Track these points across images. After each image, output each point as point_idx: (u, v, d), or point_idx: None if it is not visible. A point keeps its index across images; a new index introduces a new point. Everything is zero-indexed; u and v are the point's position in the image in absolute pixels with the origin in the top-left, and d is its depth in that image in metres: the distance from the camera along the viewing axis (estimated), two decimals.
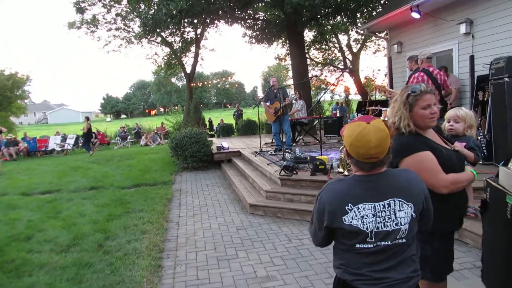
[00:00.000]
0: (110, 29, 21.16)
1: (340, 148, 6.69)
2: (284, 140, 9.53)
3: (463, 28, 7.99)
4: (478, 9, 7.71)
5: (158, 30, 17.99)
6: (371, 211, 1.62)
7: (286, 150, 8.85)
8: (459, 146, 2.40)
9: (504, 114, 5.56)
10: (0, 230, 5.85)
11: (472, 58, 7.64)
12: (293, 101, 12.44)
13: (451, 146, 2.38)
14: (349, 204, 1.63)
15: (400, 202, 1.64)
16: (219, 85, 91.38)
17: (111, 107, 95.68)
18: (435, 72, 6.04)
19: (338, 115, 14.20)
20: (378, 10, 12.66)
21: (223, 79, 77.75)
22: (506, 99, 5.47)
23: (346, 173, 6.23)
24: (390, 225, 1.62)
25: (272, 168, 7.50)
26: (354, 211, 1.62)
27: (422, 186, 1.75)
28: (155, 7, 11.92)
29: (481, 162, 6.23)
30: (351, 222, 1.62)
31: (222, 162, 11.04)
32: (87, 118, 17.58)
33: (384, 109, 9.15)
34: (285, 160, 7.45)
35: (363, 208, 1.63)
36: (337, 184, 1.73)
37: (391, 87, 11.18)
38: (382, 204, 1.63)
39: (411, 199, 1.67)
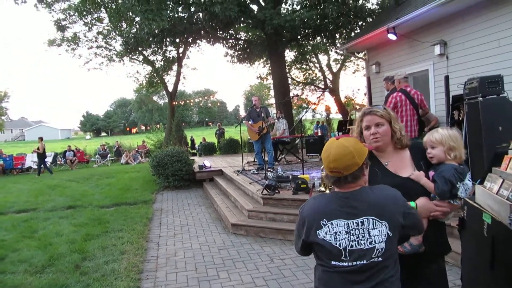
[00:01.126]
0: (91, 47, 21.05)
1: (322, 167, 6.74)
2: (266, 158, 9.55)
3: (437, 49, 8.27)
4: (452, 31, 8.01)
5: (140, 48, 18.02)
6: (344, 228, 1.64)
7: (268, 169, 8.87)
8: (416, 174, 2.15)
9: (479, 133, 5.71)
10: None
11: (447, 78, 7.89)
12: (275, 120, 12.53)
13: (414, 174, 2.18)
14: (324, 219, 1.67)
15: (374, 220, 1.65)
16: (201, 104, 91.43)
17: (91, 124, 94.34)
18: (412, 92, 6.20)
19: (319, 134, 14.34)
20: (357, 31, 13.01)
21: (205, 97, 77.90)
22: (481, 118, 5.63)
23: (327, 191, 6.26)
24: (364, 243, 1.62)
25: (254, 187, 7.48)
26: (328, 227, 1.66)
27: (400, 204, 1.74)
28: (137, 26, 11.95)
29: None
30: (324, 237, 1.65)
31: (204, 181, 10.96)
32: (41, 139, 17.13)
33: None
34: (267, 179, 7.46)
35: (337, 225, 1.65)
36: (317, 199, 1.79)
37: (370, 105, 11.41)
38: (355, 222, 1.64)
39: (385, 217, 1.66)
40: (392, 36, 8.86)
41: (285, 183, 7.28)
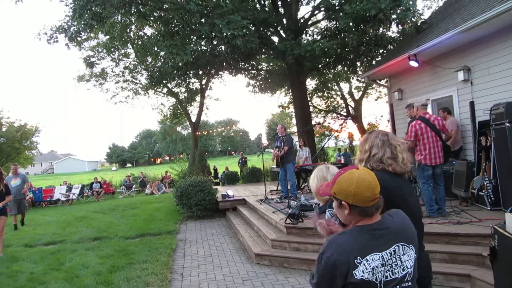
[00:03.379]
0: (118, 81, 21.87)
1: None
2: (288, 188, 9.51)
3: (461, 75, 8.19)
4: (475, 56, 7.95)
5: (164, 81, 18.61)
6: (380, 261, 1.59)
7: (292, 198, 8.81)
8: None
9: (508, 159, 5.56)
10: (1, 283, 5.74)
11: (472, 104, 7.76)
12: (298, 148, 12.54)
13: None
14: (358, 258, 1.57)
15: (403, 246, 1.65)
16: (223, 133, 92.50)
17: (117, 156, 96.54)
18: (432, 119, 6.13)
19: (342, 161, 14.20)
20: (378, 59, 13.06)
21: (228, 127, 78.83)
22: (509, 144, 5.50)
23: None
24: (398, 271, 1.61)
25: (277, 216, 7.43)
26: (364, 264, 1.57)
27: (413, 225, 1.77)
28: (162, 60, 12.39)
29: (489, 208, 6.16)
30: (362, 276, 1.56)
31: (227, 210, 10.95)
32: None
33: None
34: (291, 208, 7.40)
35: (372, 259, 1.58)
36: (341, 238, 1.65)
37: (394, 132, 11.29)
38: (389, 252, 1.61)
39: (411, 240, 1.68)
40: (413, 63, 8.86)
41: (308, 211, 7.20)
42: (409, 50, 9.07)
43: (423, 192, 6.29)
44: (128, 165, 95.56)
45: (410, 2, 10.31)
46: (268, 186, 13.35)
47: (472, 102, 7.85)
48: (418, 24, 10.84)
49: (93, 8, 10.15)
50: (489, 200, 6.20)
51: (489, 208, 6.16)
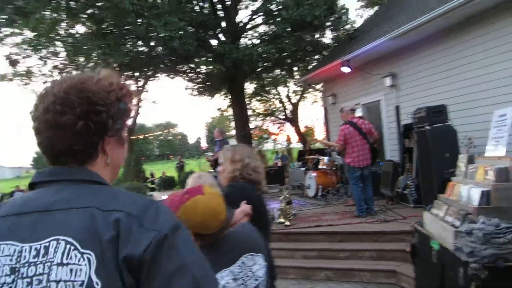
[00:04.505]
0: (45, 82, 20.44)
1: (281, 198, 6.76)
2: None
3: (388, 81, 8.69)
4: (401, 63, 8.47)
5: None
6: (230, 276, 1.46)
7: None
8: None
9: (428, 160, 5.97)
10: None
11: (397, 108, 8.27)
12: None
13: None
14: None
15: (252, 256, 1.56)
16: (161, 137, 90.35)
17: (45, 161, 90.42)
18: (359, 122, 6.45)
19: (279, 164, 14.46)
20: (314, 64, 13.49)
21: (166, 130, 77.17)
22: (429, 146, 5.91)
23: (287, 223, 6.25)
24: (251, 283, 1.51)
25: None
26: None
27: (259, 235, 1.70)
28: (94, 60, 11.79)
29: (412, 206, 6.58)
30: None
31: None
32: None
33: (322, 157, 9.51)
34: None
35: (221, 277, 1.43)
36: None
37: (328, 136, 11.71)
38: (238, 265, 1.51)
39: (259, 249, 1.60)
40: (346, 69, 9.25)
41: None
42: (342, 56, 9.46)
43: (353, 193, 6.58)
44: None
45: (343, 11, 10.77)
46: None
47: (398, 106, 8.36)
48: (351, 32, 11.36)
49: (15, 2, 9.41)
50: (412, 198, 6.62)
51: (412, 206, 6.57)
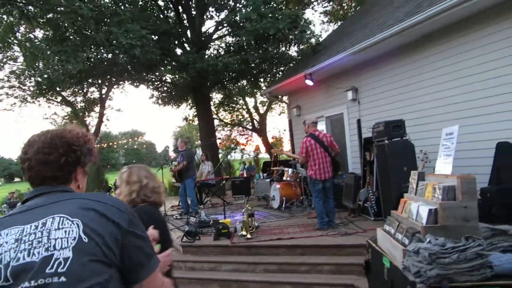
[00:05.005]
0: (2, 87, 19.55)
1: (243, 211, 6.68)
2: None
3: (350, 95, 8.85)
4: (362, 78, 8.66)
5: (58, 89, 17.12)
6: None
7: (192, 214, 8.61)
8: None
9: (387, 173, 6.08)
10: None
11: (358, 122, 8.42)
12: (201, 163, 12.40)
13: None
14: None
15: None
16: (126, 146, 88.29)
17: (3, 169, 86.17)
18: (321, 135, 6.49)
19: (245, 175, 14.38)
20: (279, 76, 13.59)
21: (133, 139, 75.53)
22: (388, 160, 6.02)
23: (249, 236, 6.17)
24: None
25: (175, 234, 7.16)
26: None
27: None
28: (51, 66, 11.37)
29: (372, 218, 6.66)
30: None
31: None
32: None
33: (286, 169, 9.52)
34: (189, 225, 7.20)
35: None
36: None
37: (293, 148, 11.77)
38: None
39: None
40: (309, 82, 9.35)
41: (207, 228, 7.08)
42: (305, 69, 9.57)
43: (315, 205, 6.59)
44: (17, 179, 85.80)
45: (306, 25, 10.92)
46: (171, 201, 12.94)
47: (359, 120, 8.51)
48: (314, 45, 11.53)
49: None
50: (373, 211, 6.71)
51: (372, 218, 6.66)
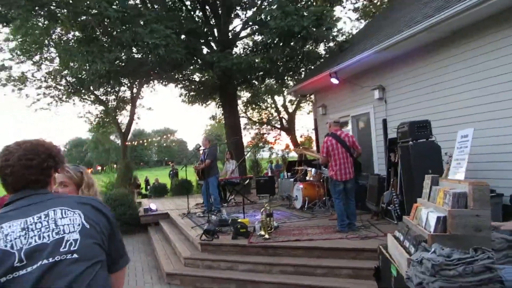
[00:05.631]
0: (40, 87, 20.37)
1: (261, 210, 6.61)
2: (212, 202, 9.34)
3: (376, 94, 8.60)
4: (388, 76, 8.40)
5: (91, 88, 17.66)
6: None
7: (214, 212, 8.65)
8: None
9: (411, 176, 5.85)
10: None
11: (384, 121, 8.16)
12: (225, 161, 12.43)
13: None
14: None
15: None
16: (157, 144, 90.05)
17: None
18: (343, 135, 6.32)
19: (269, 174, 14.30)
20: (304, 75, 13.43)
21: (164, 136, 76.99)
22: (412, 161, 5.79)
23: (267, 236, 6.11)
24: None
25: (195, 232, 7.20)
26: None
27: None
28: (83, 67, 11.69)
29: (395, 222, 6.43)
30: None
31: (149, 225, 10.49)
32: None
33: (310, 169, 9.38)
34: (209, 223, 7.22)
35: None
36: None
37: (318, 147, 11.59)
38: None
39: None
40: (334, 80, 9.16)
41: (227, 227, 7.06)
42: (331, 67, 9.39)
43: (335, 207, 6.44)
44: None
45: (332, 22, 10.71)
46: (196, 199, 13.05)
47: (385, 120, 8.25)
48: (340, 43, 11.30)
49: None
50: (396, 214, 6.48)
51: (395, 222, 6.42)
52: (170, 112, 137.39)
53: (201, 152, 9.56)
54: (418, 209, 2.61)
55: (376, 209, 7.18)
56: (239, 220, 6.85)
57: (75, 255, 1.31)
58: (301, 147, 9.61)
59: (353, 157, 6.27)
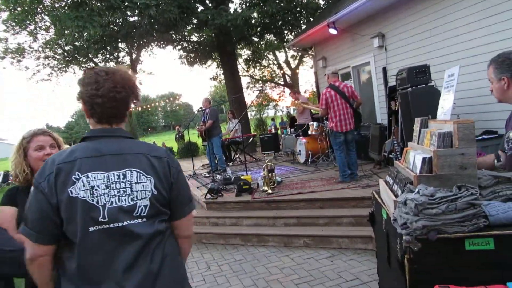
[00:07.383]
0: (38, 58, 20.12)
1: (263, 166, 6.67)
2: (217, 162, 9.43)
3: (376, 42, 8.37)
4: (388, 23, 8.12)
5: (89, 55, 17.42)
6: None
7: (219, 171, 8.76)
8: None
9: (411, 123, 5.78)
10: None
11: (384, 70, 7.99)
12: (228, 120, 12.42)
13: None
14: None
15: None
16: (161, 108, 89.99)
17: None
18: (342, 86, 6.22)
19: (273, 131, 14.29)
20: (303, 28, 13.06)
21: (169, 101, 76.83)
22: (411, 108, 5.71)
23: (270, 191, 6.19)
24: None
25: (201, 192, 7.32)
26: None
27: None
28: (75, 34, 11.47)
29: None
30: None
31: None
32: None
33: (311, 123, 9.33)
34: (214, 182, 7.32)
35: None
36: None
37: (319, 100, 11.46)
38: None
39: None
40: (332, 31, 8.91)
41: (230, 185, 7.17)
42: (329, 17, 9.09)
43: (337, 158, 6.46)
44: (66, 146, 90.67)
45: None
46: (201, 160, 13.20)
47: (385, 68, 8.07)
48: None
49: None
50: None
51: None
52: (174, 77, 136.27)
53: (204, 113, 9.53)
54: (407, 152, 2.59)
55: (379, 158, 7.20)
56: (242, 178, 6.93)
57: (144, 220, 1.48)
58: (299, 101, 9.47)
59: (353, 108, 6.21)
